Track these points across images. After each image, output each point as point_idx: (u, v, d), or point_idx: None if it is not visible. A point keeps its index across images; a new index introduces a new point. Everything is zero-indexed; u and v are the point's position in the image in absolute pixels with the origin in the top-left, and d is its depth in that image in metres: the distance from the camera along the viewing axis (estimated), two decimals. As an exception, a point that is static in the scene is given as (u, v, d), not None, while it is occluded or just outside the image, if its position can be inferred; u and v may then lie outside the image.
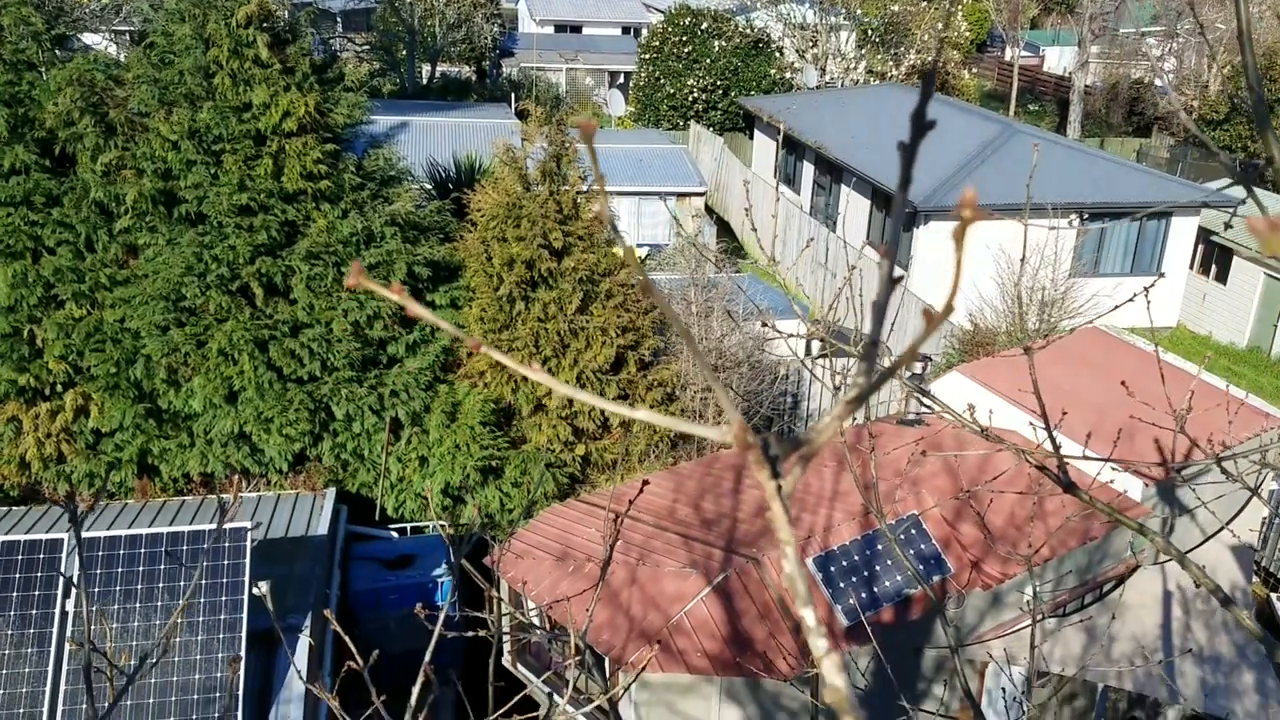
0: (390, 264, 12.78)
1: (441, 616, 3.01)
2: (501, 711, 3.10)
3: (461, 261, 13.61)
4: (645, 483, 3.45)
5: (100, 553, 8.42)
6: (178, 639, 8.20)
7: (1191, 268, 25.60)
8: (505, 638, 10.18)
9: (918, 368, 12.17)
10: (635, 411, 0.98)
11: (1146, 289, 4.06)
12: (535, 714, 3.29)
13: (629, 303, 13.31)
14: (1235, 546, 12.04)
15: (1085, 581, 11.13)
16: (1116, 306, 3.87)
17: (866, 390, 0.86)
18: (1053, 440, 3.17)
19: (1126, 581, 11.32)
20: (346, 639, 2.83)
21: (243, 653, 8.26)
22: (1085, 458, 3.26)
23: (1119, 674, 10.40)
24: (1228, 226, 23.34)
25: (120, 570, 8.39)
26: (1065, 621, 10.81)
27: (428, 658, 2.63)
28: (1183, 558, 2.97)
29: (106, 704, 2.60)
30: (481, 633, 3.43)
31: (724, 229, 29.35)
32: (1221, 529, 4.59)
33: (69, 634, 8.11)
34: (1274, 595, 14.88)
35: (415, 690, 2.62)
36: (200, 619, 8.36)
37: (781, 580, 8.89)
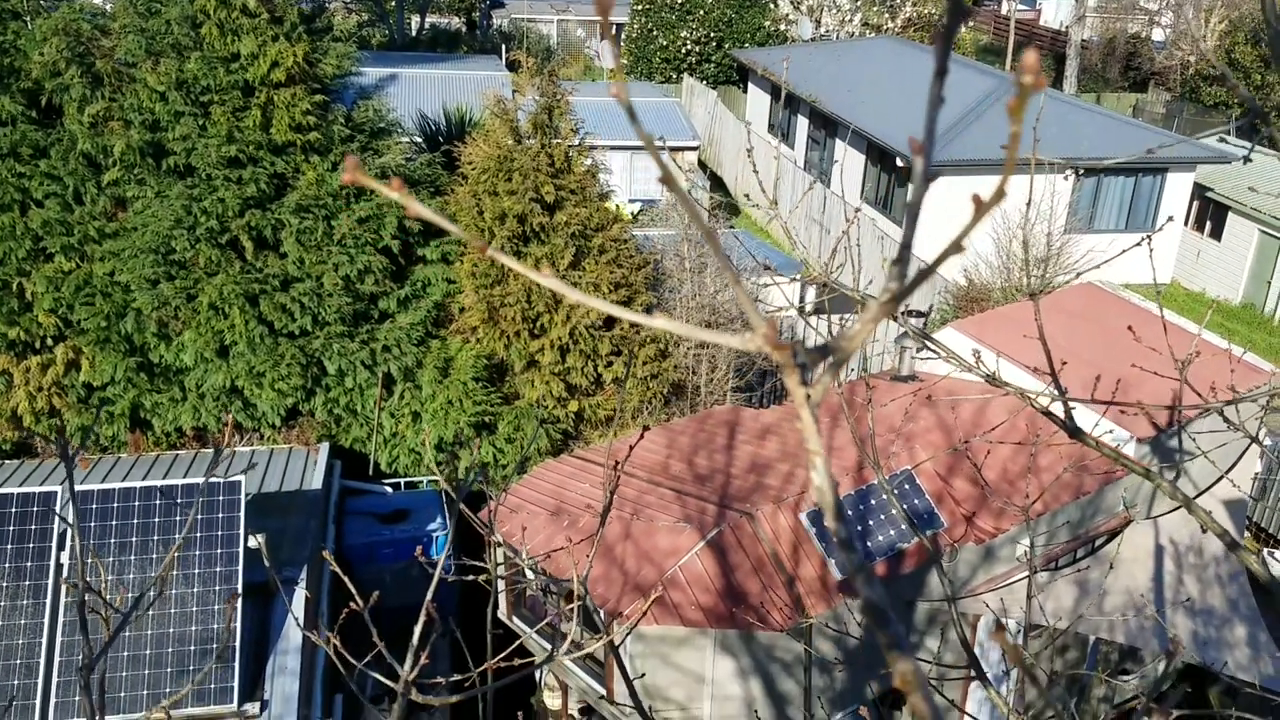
0: (381, 217, 12.67)
1: (438, 570, 2.98)
2: (500, 657, 3.09)
3: (453, 215, 13.49)
4: (646, 429, 3.41)
5: (94, 505, 8.39)
6: (174, 590, 8.19)
7: (1186, 224, 25.54)
8: (501, 589, 10.20)
9: (914, 322, 12.12)
10: (654, 320, 0.94)
11: (1149, 236, 4.01)
12: (532, 659, 3.27)
13: (621, 258, 13.23)
14: (1228, 501, 12.10)
15: (1078, 536, 11.17)
16: (1124, 251, 3.83)
17: (902, 291, 0.82)
18: (1058, 385, 3.14)
19: (1119, 536, 11.37)
20: (347, 580, 2.80)
21: (239, 590, 8.26)
22: (1092, 400, 3.23)
23: (1111, 626, 10.47)
24: (1247, 160, 23.17)
25: (115, 523, 8.37)
26: (1058, 575, 10.87)
27: (429, 597, 2.61)
28: (1189, 502, 2.95)
29: (103, 643, 2.57)
30: (480, 578, 3.41)
31: (716, 184, 29.19)
32: (1222, 477, 4.58)
33: (65, 578, 8.11)
34: (1265, 550, 14.98)
35: (417, 629, 2.59)
36: (195, 571, 8.36)
37: (775, 533, 8.91)
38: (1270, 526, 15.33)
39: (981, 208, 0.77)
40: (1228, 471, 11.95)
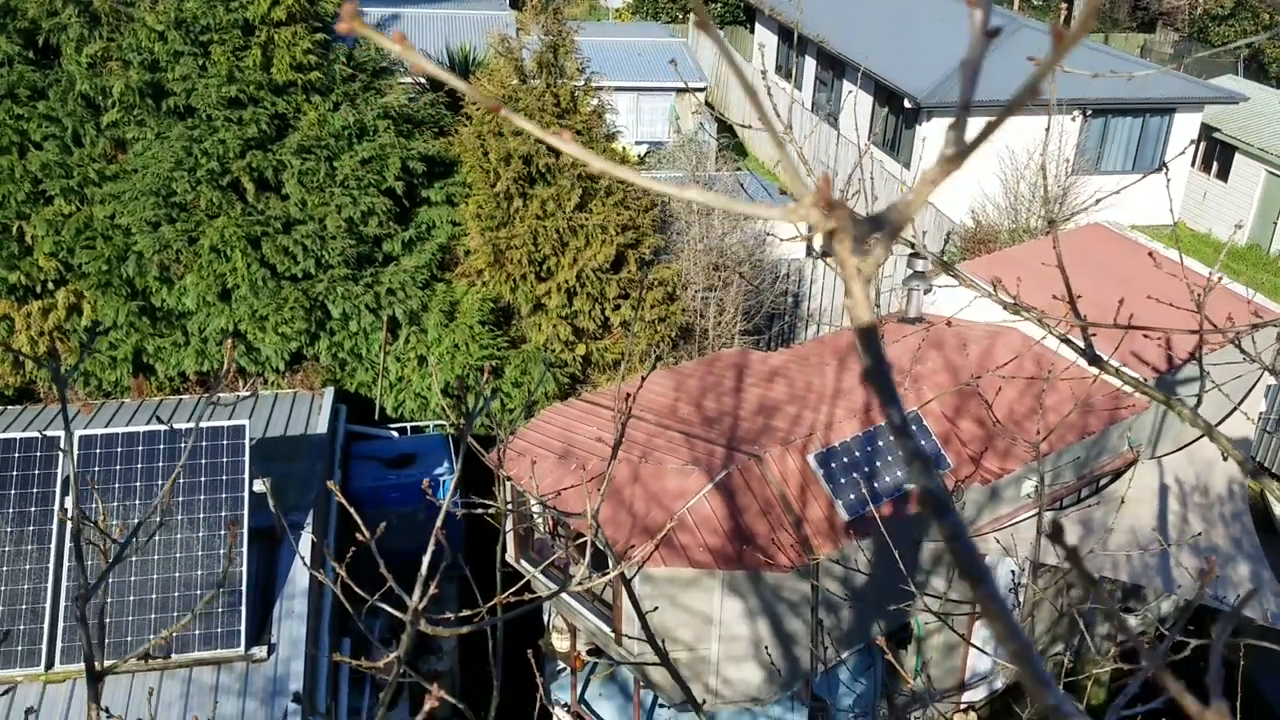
0: (384, 158, 12.53)
1: (443, 506, 2.94)
2: (510, 592, 3.06)
3: (457, 157, 13.35)
4: (653, 367, 3.34)
5: (98, 450, 8.37)
6: (179, 535, 8.20)
7: (1193, 165, 25.30)
8: (509, 530, 10.21)
9: (920, 264, 12.02)
10: (686, 191, 0.87)
11: (1165, 165, 3.91)
12: (537, 596, 3.24)
13: (628, 200, 13.10)
14: (1234, 440, 12.08)
15: (1083, 476, 11.16)
16: (1139, 179, 3.73)
17: (966, 149, 0.75)
18: (1076, 313, 3.07)
19: (1125, 475, 11.36)
20: (355, 514, 2.76)
21: (245, 532, 8.27)
22: (1114, 325, 3.16)
23: (1115, 565, 10.49)
24: None
25: (119, 467, 8.35)
26: (1063, 514, 10.88)
27: (438, 524, 2.56)
28: (1211, 430, 2.90)
29: (101, 571, 2.53)
30: (488, 511, 3.36)
31: (724, 126, 28.90)
32: (1235, 409, 4.53)
33: (66, 507, 8.11)
34: (1266, 490, 14.99)
35: (426, 557, 2.56)
36: (201, 515, 8.36)
37: (783, 475, 8.88)
38: (1275, 466, 15.33)
39: (1064, 41, 0.70)
40: (1240, 402, 11.94)
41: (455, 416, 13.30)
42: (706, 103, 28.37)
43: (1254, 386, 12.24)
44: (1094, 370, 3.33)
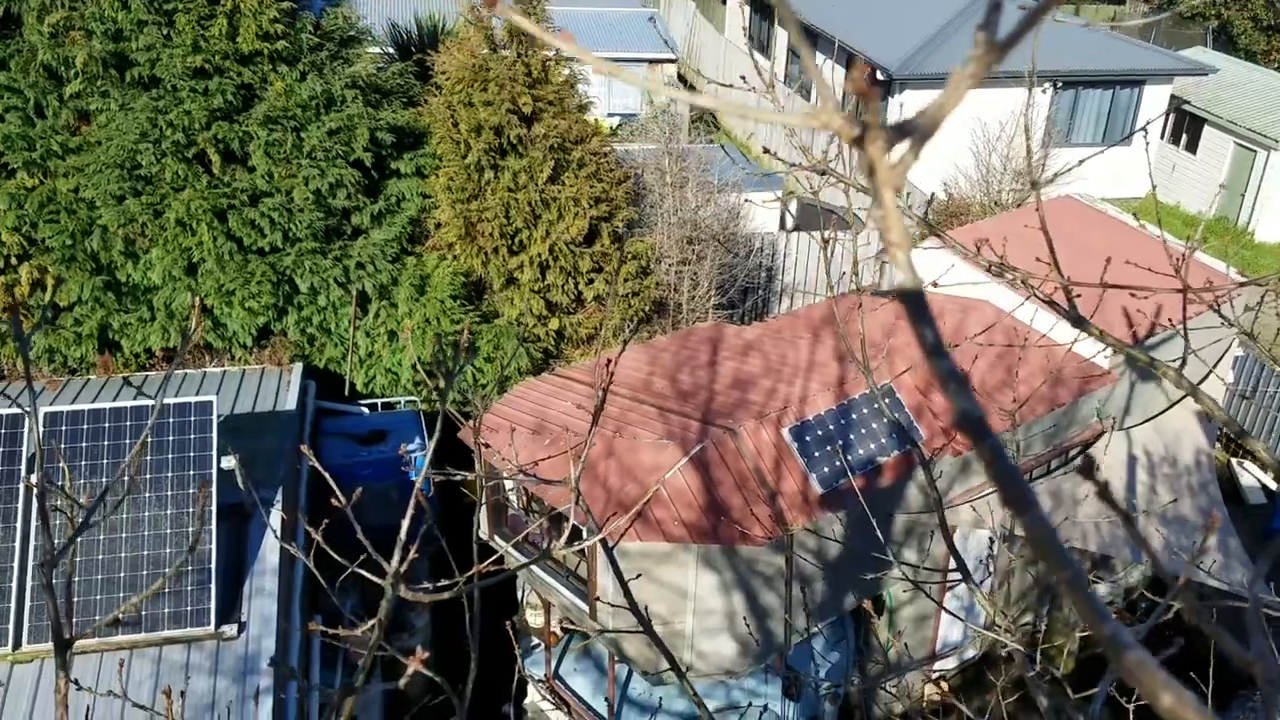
0: (352, 129, 12.35)
1: (422, 473, 2.88)
2: (490, 561, 3.01)
3: (426, 127, 13.19)
4: (626, 341, 3.29)
5: (64, 427, 8.24)
6: (147, 513, 8.09)
7: (1162, 137, 25.41)
8: (482, 506, 10.16)
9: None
10: (700, 98, 0.82)
11: (1144, 130, 3.88)
12: (520, 563, 3.21)
13: (602, 172, 13.00)
14: (1200, 412, 12.18)
15: (1052, 447, 11.23)
16: (1125, 138, 3.70)
17: (1018, 34, 0.71)
18: (1060, 273, 3.05)
19: (1095, 445, 11.43)
20: (327, 476, 2.70)
21: (214, 509, 8.18)
22: (1099, 285, 3.14)
23: (1084, 536, 10.58)
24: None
25: (85, 444, 8.23)
26: (1033, 485, 10.94)
27: (419, 484, 2.52)
28: (1194, 389, 2.88)
29: (68, 536, 2.46)
30: (467, 477, 3.32)
31: (693, 98, 28.72)
32: (1209, 373, 4.53)
33: (28, 479, 7.98)
34: (1234, 460, 15.15)
35: (405, 522, 2.51)
36: (169, 493, 8.25)
37: (758, 448, 8.87)
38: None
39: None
40: (1214, 366, 12.01)
41: (427, 391, 13.20)
42: (679, 75, 28.20)
43: (1223, 356, 12.33)
44: (1076, 333, 3.31)
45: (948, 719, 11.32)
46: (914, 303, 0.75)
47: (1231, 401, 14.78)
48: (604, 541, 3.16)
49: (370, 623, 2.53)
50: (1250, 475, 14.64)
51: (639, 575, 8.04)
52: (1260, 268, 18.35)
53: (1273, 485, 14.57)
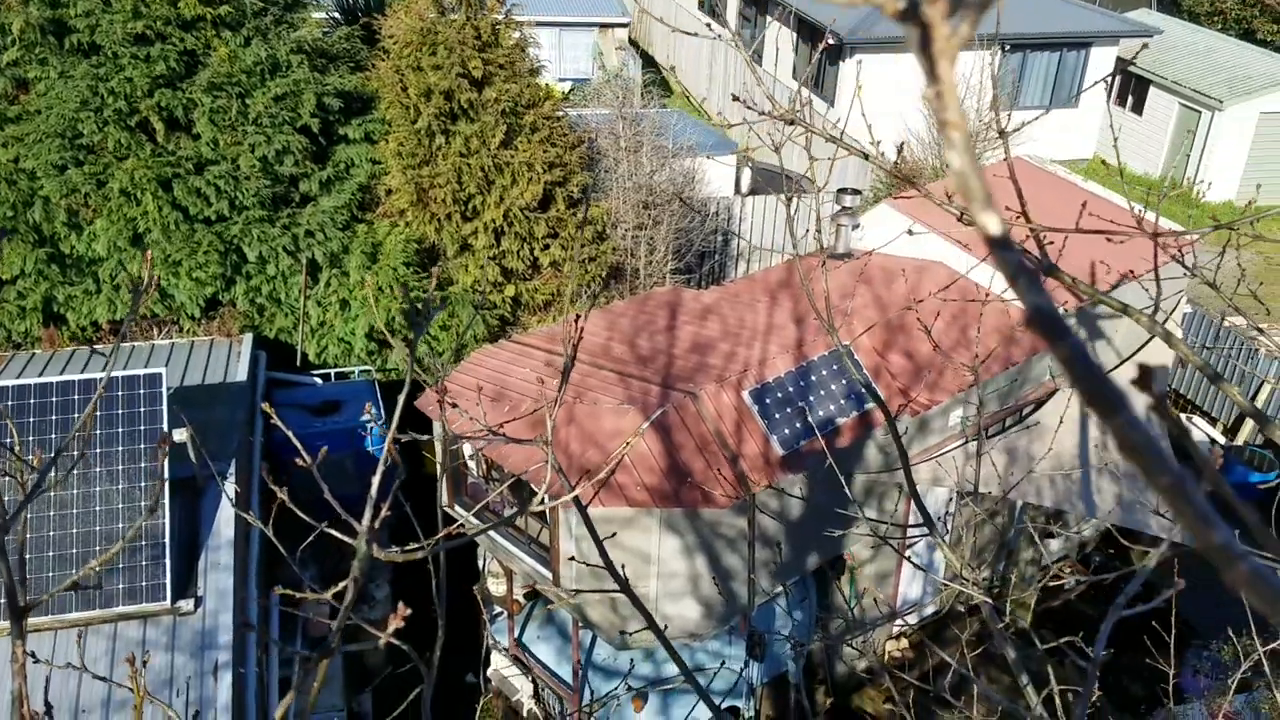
0: (298, 94, 12.10)
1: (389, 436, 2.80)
2: (456, 526, 2.94)
3: (375, 92, 12.95)
4: (592, 305, 3.23)
5: (10, 402, 8.02)
6: (98, 488, 7.92)
7: (1109, 99, 25.62)
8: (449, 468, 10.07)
9: (847, 200, 12.00)
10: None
11: (1113, 74, 3.86)
12: (463, 530, 3.14)
13: (555, 137, 12.85)
14: (1146, 368, 12.33)
15: (1007, 405, 11.33)
16: (1073, 98, 3.68)
17: None
18: (1027, 219, 3.02)
19: (1047, 404, 11.55)
20: (291, 435, 2.62)
21: (166, 483, 8.02)
22: (1076, 230, 3.12)
23: (1038, 491, 10.69)
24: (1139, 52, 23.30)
25: (32, 420, 8.02)
26: (988, 443, 11.04)
27: (389, 438, 2.45)
28: (1168, 336, 2.87)
29: (25, 499, 2.37)
30: (424, 438, 3.24)
31: (648, 62, 28.56)
32: (1164, 321, 4.54)
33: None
34: (1183, 416, 15.39)
35: (376, 478, 2.45)
36: (120, 467, 8.08)
37: (718, 412, 8.85)
38: (1189, 393, 15.75)
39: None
40: (1167, 317, 12.12)
41: (380, 360, 13.04)
42: (630, 39, 27.97)
43: (1173, 311, 12.50)
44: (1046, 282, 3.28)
45: (909, 674, 11.45)
46: (975, 185, 0.69)
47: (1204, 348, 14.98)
48: (577, 500, 3.10)
49: (342, 585, 2.45)
50: (1199, 431, 14.89)
51: (613, 534, 8.02)
52: (1202, 223, 18.68)
53: (1220, 439, 14.83)
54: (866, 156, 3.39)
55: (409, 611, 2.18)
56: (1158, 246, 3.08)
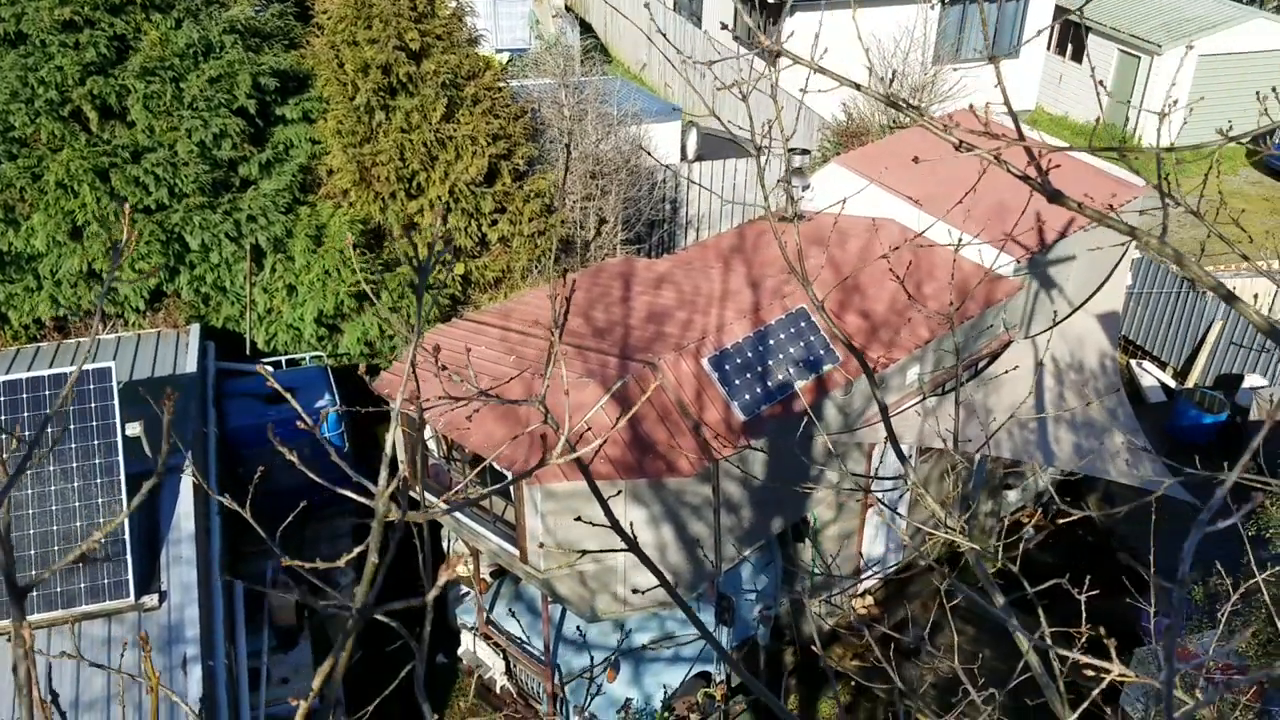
0: (233, 75, 11.84)
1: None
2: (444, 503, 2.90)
3: (311, 70, 12.70)
4: (575, 278, 3.17)
5: (-47, 406, 7.82)
6: (53, 487, 7.76)
7: (1049, 48, 25.77)
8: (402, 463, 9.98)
9: (797, 160, 11.98)
10: None
11: (1053, 23, 3.84)
12: (496, 488, 3.10)
13: (497, 108, 12.68)
14: (1102, 315, 12.48)
15: (962, 359, 11.41)
16: (1014, 49, 3.66)
17: None
18: (1027, 150, 2.99)
19: (1001, 356, 11.64)
20: (281, 389, 2.56)
21: (122, 479, 7.88)
22: (1088, 148, 3.10)
23: (996, 443, 10.79)
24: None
25: (-22, 423, 7.82)
26: (944, 399, 11.12)
27: (398, 401, 2.40)
28: (1180, 257, 2.85)
29: (13, 478, 2.30)
30: (383, 408, 3.18)
31: (585, 29, 28.28)
32: (1113, 270, 4.57)
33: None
34: (1133, 361, 15.62)
35: (390, 436, 2.39)
36: (74, 465, 7.91)
37: (678, 380, 8.83)
38: (1139, 339, 15.97)
39: None
40: (1115, 266, 12.27)
41: (330, 346, 12.87)
42: (566, 6, 27.66)
43: (1123, 255, 12.64)
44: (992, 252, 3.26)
45: (873, 631, 11.57)
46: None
47: (1130, 300, 15.18)
48: (580, 461, 3.05)
49: (359, 549, 2.40)
50: (1149, 376, 15.11)
51: (619, 492, 7.99)
52: (1149, 173, 18.79)
53: (1171, 384, 15.06)
54: (859, 87, 3.34)
55: (460, 566, 2.13)
56: (1162, 181, 3.06)
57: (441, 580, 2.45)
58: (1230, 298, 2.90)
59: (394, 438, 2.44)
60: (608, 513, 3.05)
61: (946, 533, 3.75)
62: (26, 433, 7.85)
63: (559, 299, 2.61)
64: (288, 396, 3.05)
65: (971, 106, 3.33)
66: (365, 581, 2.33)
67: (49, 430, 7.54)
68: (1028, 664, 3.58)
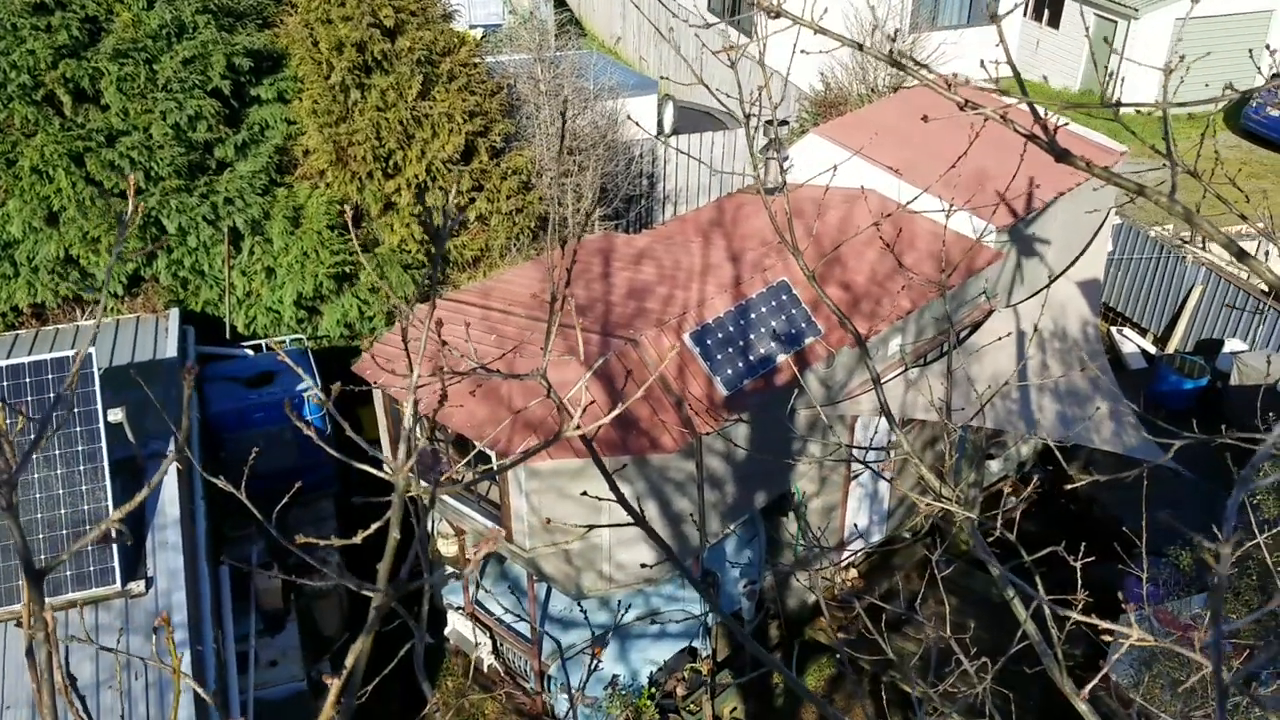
0: (207, 56, 11.72)
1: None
2: (454, 477, 2.89)
3: (285, 49, 12.58)
4: (579, 241, 3.15)
5: (-69, 397, 7.76)
6: (35, 475, 7.72)
7: (1025, 14, 25.73)
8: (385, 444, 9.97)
9: (776, 132, 11.94)
10: None
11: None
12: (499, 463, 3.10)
13: (473, 84, 12.59)
14: (1083, 283, 12.52)
15: (944, 330, 11.43)
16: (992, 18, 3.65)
17: None
18: (1030, 106, 2.98)
19: (984, 325, 11.67)
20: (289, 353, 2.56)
21: (106, 466, 7.86)
22: (1078, 107, 3.09)
23: (979, 414, 10.84)
24: None
25: (-44, 413, 7.76)
26: (927, 370, 11.16)
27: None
28: (1190, 214, 2.84)
29: (29, 451, 2.30)
30: (364, 387, 3.18)
31: (559, 3, 28.10)
32: (1094, 236, 4.59)
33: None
34: (1113, 328, 15.69)
35: (408, 408, 2.38)
36: (57, 452, 7.88)
37: (660, 356, 8.83)
38: (1120, 306, 16.04)
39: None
40: (1093, 237, 12.27)
41: (310, 329, 12.81)
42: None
43: (1106, 218, 12.67)
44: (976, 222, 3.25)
45: (859, 602, 11.65)
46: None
47: (1110, 267, 15.21)
48: (585, 438, 3.05)
49: (386, 517, 2.39)
50: (1130, 343, 15.19)
51: (624, 465, 7.98)
52: (1126, 138, 18.83)
53: (1152, 350, 15.14)
54: (861, 47, 3.33)
55: (500, 534, 2.13)
56: (1168, 137, 3.05)
57: (484, 551, 2.46)
58: (1242, 254, 2.89)
59: (409, 411, 2.44)
60: (614, 488, 3.05)
61: (942, 502, 3.77)
62: (8, 420, 7.80)
63: (559, 270, 2.61)
64: (301, 373, 3.04)
65: (955, 74, 3.31)
66: (387, 557, 2.33)
67: (55, 414, 7.50)
68: (1025, 633, 3.61)
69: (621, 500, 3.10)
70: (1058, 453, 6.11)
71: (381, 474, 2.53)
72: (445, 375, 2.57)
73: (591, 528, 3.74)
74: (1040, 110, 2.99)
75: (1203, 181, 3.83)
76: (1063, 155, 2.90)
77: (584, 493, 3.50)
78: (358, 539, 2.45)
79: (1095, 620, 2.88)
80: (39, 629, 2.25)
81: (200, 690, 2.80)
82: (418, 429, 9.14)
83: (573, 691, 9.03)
